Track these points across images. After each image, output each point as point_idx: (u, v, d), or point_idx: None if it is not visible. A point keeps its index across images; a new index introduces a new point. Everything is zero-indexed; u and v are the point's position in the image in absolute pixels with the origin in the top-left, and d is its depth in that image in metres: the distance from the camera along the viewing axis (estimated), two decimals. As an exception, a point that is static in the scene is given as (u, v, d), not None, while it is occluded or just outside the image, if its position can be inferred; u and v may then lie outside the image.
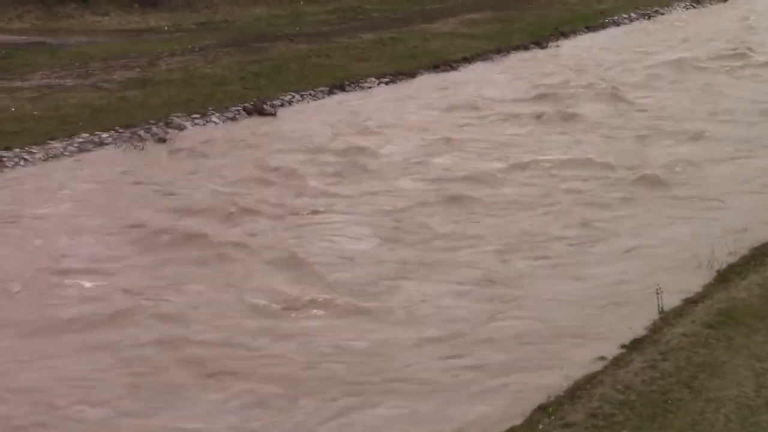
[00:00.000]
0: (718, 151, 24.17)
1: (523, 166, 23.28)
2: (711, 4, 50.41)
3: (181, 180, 23.18)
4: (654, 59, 36.34)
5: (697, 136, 25.51)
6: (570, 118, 27.90)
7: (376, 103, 30.57)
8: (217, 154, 25.34)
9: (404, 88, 33.42)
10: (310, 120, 28.71)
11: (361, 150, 24.87)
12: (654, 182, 21.71)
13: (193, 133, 27.16)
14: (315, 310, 15.82)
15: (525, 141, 25.96)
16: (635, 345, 13.45)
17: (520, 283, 16.83)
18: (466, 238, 18.82)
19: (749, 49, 36.88)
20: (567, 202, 20.71)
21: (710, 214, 19.77)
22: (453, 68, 36.47)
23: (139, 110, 28.63)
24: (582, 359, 13.50)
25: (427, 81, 34.40)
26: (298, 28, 43.31)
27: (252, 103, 29.95)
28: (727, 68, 34.10)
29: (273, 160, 24.24)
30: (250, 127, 27.96)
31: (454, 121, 28.27)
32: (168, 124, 27.38)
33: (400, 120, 28.32)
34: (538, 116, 28.24)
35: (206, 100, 30.11)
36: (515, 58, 38.29)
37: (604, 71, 34.89)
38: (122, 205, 21.22)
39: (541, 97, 30.67)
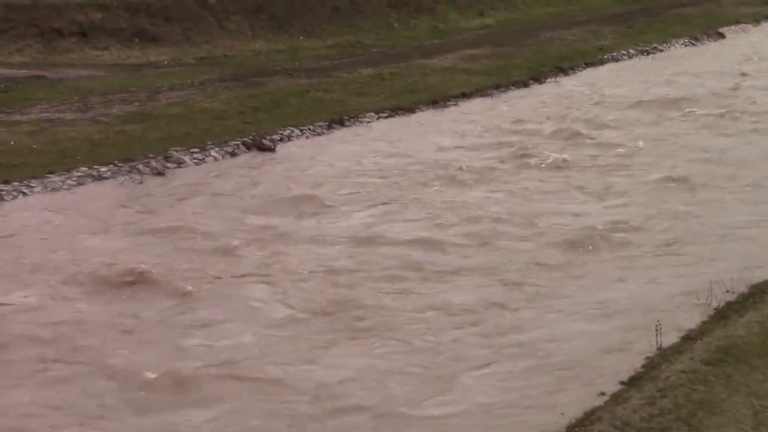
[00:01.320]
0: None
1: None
2: (709, 41, 50.87)
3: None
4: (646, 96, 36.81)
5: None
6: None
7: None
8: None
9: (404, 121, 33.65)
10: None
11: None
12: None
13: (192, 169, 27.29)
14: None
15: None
16: (633, 381, 13.40)
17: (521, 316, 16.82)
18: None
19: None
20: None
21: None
22: (452, 103, 36.64)
23: (138, 144, 28.65)
24: (580, 395, 13.45)
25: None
26: (297, 63, 43.48)
27: (251, 137, 29.98)
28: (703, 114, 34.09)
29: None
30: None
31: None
32: (167, 158, 27.41)
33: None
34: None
35: (205, 134, 30.15)
36: (514, 94, 38.50)
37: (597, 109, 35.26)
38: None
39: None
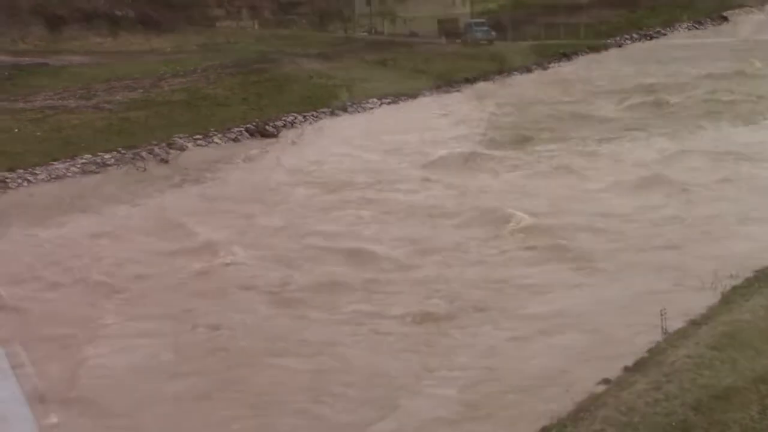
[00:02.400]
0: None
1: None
2: (713, 25, 50.83)
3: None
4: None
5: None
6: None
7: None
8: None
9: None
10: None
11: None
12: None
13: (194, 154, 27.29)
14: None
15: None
16: (639, 367, 13.36)
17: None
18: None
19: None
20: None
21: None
22: (455, 89, 36.60)
23: (142, 131, 28.67)
24: (586, 381, 13.40)
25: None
26: (300, 49, 43.38)
27: (254, 124, 30.01)
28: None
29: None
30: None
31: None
32: (170, 145, 27.43)
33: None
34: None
35: (208, 120, 30.17)
36: (516, 80, 38.55)
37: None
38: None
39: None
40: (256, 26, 74.62)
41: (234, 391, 13.28)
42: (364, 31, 62.24)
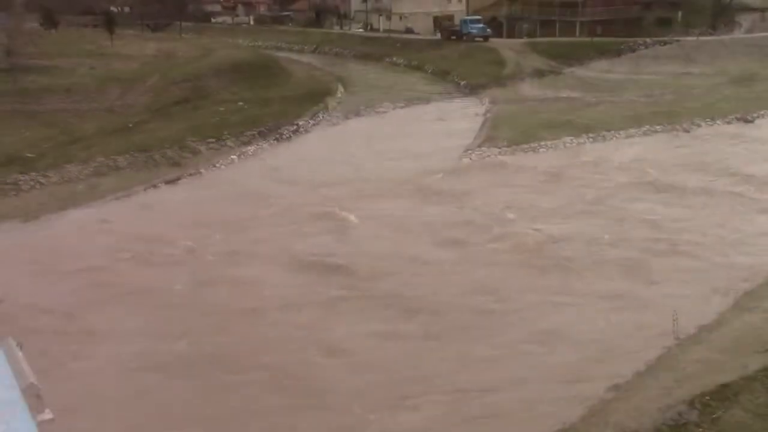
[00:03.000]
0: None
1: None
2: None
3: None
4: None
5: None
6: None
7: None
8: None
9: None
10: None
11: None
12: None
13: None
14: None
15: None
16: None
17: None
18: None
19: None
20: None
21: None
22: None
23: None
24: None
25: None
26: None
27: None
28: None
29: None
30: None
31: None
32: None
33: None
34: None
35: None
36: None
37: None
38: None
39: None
40: (252, 22, 74.87)
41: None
42: (359, 28, 62.43)
